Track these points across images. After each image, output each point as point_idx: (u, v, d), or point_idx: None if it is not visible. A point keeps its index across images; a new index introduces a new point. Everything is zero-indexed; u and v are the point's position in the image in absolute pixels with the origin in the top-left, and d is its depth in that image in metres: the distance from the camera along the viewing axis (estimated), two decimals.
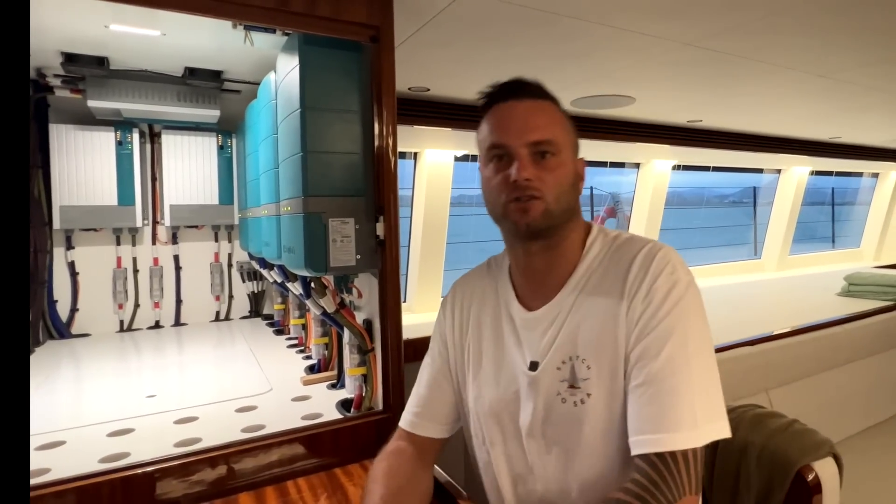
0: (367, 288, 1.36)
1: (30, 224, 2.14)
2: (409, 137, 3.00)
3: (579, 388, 0.81)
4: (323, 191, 1.20)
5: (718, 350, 2.15)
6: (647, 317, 0.78)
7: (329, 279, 1.38)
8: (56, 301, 2.36)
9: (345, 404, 1.37)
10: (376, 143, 1.23)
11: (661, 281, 0.79)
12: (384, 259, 1.22)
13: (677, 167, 4.39)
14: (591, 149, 3.57)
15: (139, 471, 0.99)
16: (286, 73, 1.30)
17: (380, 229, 1.22)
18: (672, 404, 0.73)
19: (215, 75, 2.08)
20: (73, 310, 2.40)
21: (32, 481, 0.96)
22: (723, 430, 0.75)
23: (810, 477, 1.21)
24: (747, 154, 4.13)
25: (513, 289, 0.94)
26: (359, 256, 1.22)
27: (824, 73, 2.27)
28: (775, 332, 2.36)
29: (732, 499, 1.31)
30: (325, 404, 1.40)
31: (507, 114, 0.85)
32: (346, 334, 1.38)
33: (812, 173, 5.28)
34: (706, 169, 4.72)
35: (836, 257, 6.28)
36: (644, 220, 4.37)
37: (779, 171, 5.23)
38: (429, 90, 2.45)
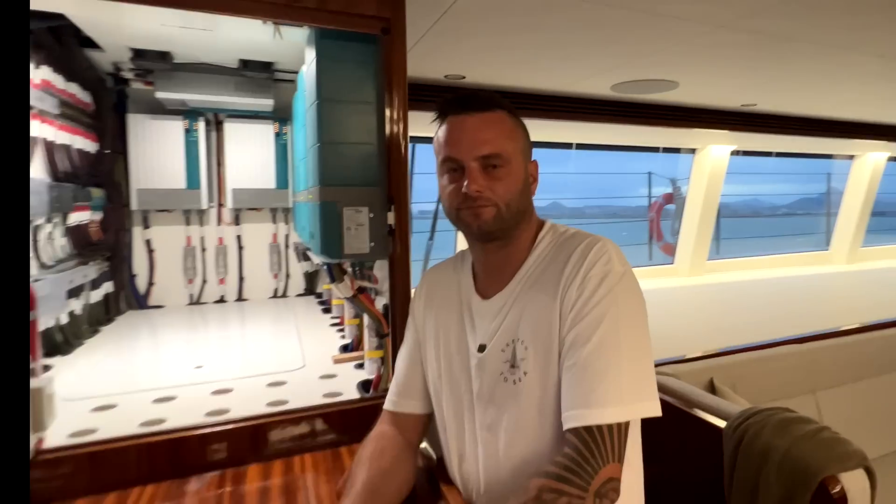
0: (384, 275, 1.36)
1: (108, 206, 2.30)
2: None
3: (518, 367, 0.85)
4: (338, 180, 1.20)
5: (762, 347, 2.00)
6: (580, 304, 0.81)
7: (346, 265, 1.39)
8: (135, 275, 2.54)
9: (364, 385, 1.39)
10: (388, 133, 1.21)
11: (595, 270, 0.82)
12: (394, 247, 1.21)
13: (736, 152, 4.07)
14: (640, 134, 3.37)
15: (165, 437, 1.04)
16: (307, 66, 1.30)
17: (391, 218, 1.21)
18: (600, 383, 0.76)
19: (266, 66, 2.13)
20: (150, 283, 2.57)
21: (78, 440, 1.03)
22: (651, 410, 0.78)
23: (836, 489, 1.09)
24: (815, 139, 3.78)
25: (473, 280, 0.98)
26: (372, 244, 1.22)
27: (883, 52, 2.00)
28: (827, 331, 2.16)
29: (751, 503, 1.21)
30: (348, 384, 1.42)
31: (458, 128, 0.89)
32: (366, 318, 1.38)
33: (891, 159, 4.76)
34: (769, 154, 4.35)
35: None
36: (699, 208, 4.11)
37: (851, 158, 4.74)
38: (464, 78, 2.40)
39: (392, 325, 1.23)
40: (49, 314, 1.72)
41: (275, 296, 2.80)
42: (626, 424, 0.77)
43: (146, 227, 2.56)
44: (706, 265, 4.33)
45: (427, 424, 1.01)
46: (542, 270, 0.89)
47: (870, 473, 1.12)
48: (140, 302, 2.54)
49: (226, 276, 2.70)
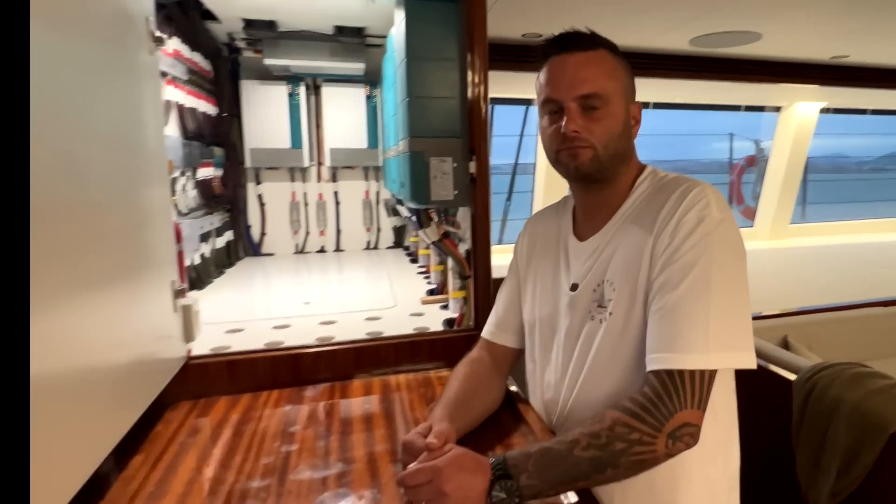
0: (465, 222, 1.40)
1: (227, 164, 2.48)
2: (528, 84, 2.88)
3: (605, 307, 0.84)
4: (425, 132, 1.24)
5: (842, 308, 1.87)
6: (672, 248, 0.77)
7: (434, 212, 1.45)
8: (250, 226, 2.76)
9: (449, 322, 1.46)
10: (470, 89, 1.22)
11: (691, 215, 0.77)
12: (475, 194, 1.24)
13: (826, 110, 3.65)
14: (721, 91, 3.10)
15: (286, 353, 1.17)
16: (397, 27, 1.33)
17: (472, 168, 1.24)
18: (686, 328, 0.73)
19: (358, 32, 2.18)
20: (262, 234, 2.78)
21: (221, 351, 1.18)
22: (742, 361, 0.74)
23: None
24: None
25: (572, 223, 0.97)
26: (456, 192, 1.26)
27: None
28: None
29: (818, 455, 1.17)
30: (434, 321, 1.50)
31: (558, 68, 0.85)
32: (450, 261, 1.44)
33: None
34: (862, 112, 3.87)
35: None
36: (783, 170, 3.75)
37: None
38: (541, 36, 2.32)
39: (474, 268, 1.28)
40: (187, 253, 1.93)
41: (367, 247, 2.94)
42: (711, 373, 0.73)
43: (258, 182, 2.75)
44: (788, 229, 3.97)
45: (517, 358, 1.04)
46: (638, 213, 0.86)
47: None
48: (255, 249, 2.76)
49: (325, 228, 2.87)
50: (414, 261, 2.52)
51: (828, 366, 1.25)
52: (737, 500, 0.88)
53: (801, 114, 3.56)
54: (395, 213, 2.90)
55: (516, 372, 1.05)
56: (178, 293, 1.09)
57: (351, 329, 1.44)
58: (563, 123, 0.83)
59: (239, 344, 1.32)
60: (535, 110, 3.37)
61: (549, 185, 3.41)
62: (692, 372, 0.72)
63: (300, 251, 2.83)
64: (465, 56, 1.23)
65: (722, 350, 0.72)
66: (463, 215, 1.40)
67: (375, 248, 2.95)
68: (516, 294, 1.04)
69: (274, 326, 1.49)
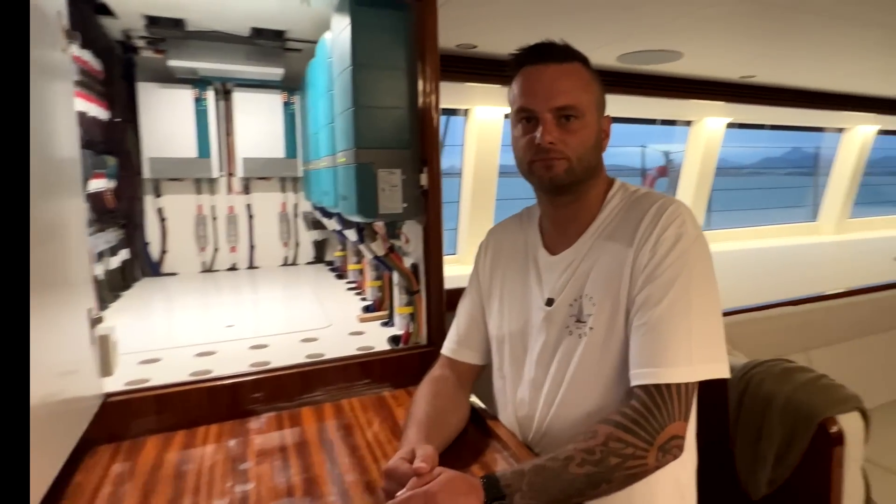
0: (413, 235, 1.43)
1: (121, 174, 2.32)
2: (459, 94, 2.99)
3: (584, 322, 0.88)
4: (373, 143, 1.26)
5: (760, 308, 2.11)
6: (653, 265, 0.82)
7: (379, 226, 1.46)
8: (148, 243, 2.58)
9: (394, 339, 1.47)
10: (420, 98, 1.27)
11: (669, 232, 0.83)
12: (427, 207, 1.28)
13: (731, 125, 4.16)
14: (640, 104, 3.43)
15: (222, 382, 1.12)
16: (339, 32, 1.35)
17: (423, 179, 1.28)
18: (670, 343, 0.78)
19: (278, 35, 2.15)
20: (163, 251, 2.62)
21: (135, 386, 1.11)
22: (719, 371, 0.80)
23: (833, 429, 1.21)
24: (807, 112, 3.87)
25: (540, 236, 1.01)
26: (405, 205, 1.29)
27: (885, 23, 2.08)
28: (819, 294, 2.29)
29: (755, 447, 1.32)
30: (377, 339, 1.50)
31: (534, 78, 0.89)
32: (396, 276, 1.46)
33: (880, 132, 4.88)
34: (762, 127, 4.45)
35: None
36: (694, 180, 4.21)
37: (841, 131, 4.86)
38: (476, 47, 2.44)
39: (426, 282, 1.31)
40: None
41: (285, 264, 2.86)
42: (694, 385, 0.79)
43: (158, 195, 2.59)
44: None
45: (479, 374, 1.06)
46: (614, 228, 0.90)
47: (864, 415, 1.24)
48: (154, 269, 2.59)
49: (237, 244, 2.76)
50: (340, 277, 2.50)
51: (758, 363, 1.42)
52: (695, 497, 0.97)
53: (709, 128, 4.02)
54: (315, 226, 2.85)
55: (478, 387, 1.08)
56: (95, 321, 1.01)
57: (287, 352, 1.40)
58: (539, 134, 0.86)
59: (159, 376, 1.24)
60: (457, 120, 3.50)
61: (476, 195, 3.52)
62: (678, 385, 0.77)
63: (208, 269, 2.70)
64: (415, 65, 1.27)
65: (704, 362, 0.79)
66: (410, 228, 1.43)
67: (294, 264, 2.88)
68: (479, 309, 1.06)
69: (197, 354, 1.42)
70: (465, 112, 3.37)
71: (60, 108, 0.94)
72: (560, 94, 0.86)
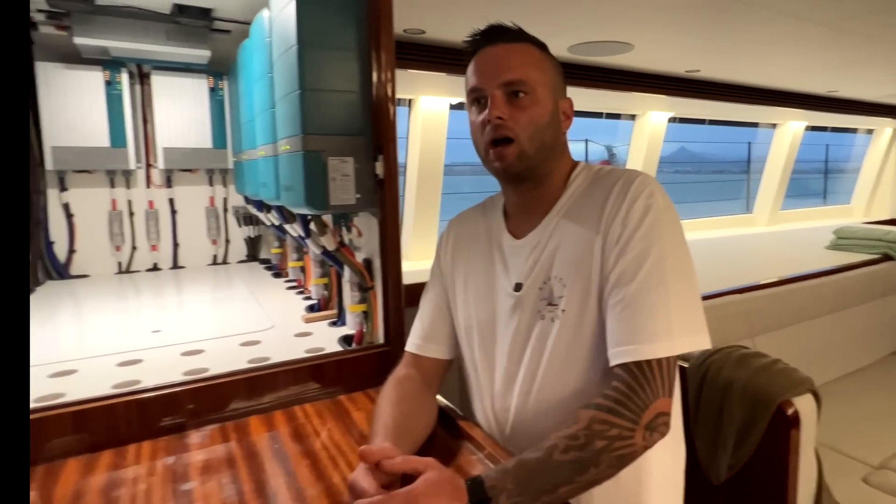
0: (366, 228, 1.39)
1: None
2: (404, 83, 2.95)
3: (556, 304, 0.88)
4: (322, 129, 1.21)
5: (706, 298, 2.21)
6: (625, 238, 0.83)
7: (328, 218, 1.41)
8: (53, 242, 2.38)
9: (346, 339, 1.42)
10: (374, 79, 1.23)
11: (638, 204, 0.83)
12: (384, 198, 1.24)
13: (673, 119, 4.37)
14: (587, 98, 3.54)
15: (154, 394, 1.04)
16: (282, 9, 1.29)
17: (379, 168, 1.24)
18: (649, 318, 0.78)
19: (204, 13, 2.03)
20: (71, 251, 2.42)
21: (48, 402, 1.01)
22: (700, 343, 0.80)
23: (790, 411, 1.28)
24: (744, 108, 4.13)
25: (504, 221, 1.01)
26: (358, 195, 1.24)
27: (825, 21, 2.25)
28: (762, 282, 2.43)
29: (716, 432, 1.38)
30: (326, 340, 1.45)
31: (485, 59, 0.91)
32: (347, 272, 1.42)
33: (807, 129, 5.29)
34: (702, 122, 4.71)
35: (828, 213, 6.35)
36: None
37: (774, 126, 5.22)
38: (424, 33, 2.41)
39: (384, 276, 1.27)
40: None
41: (214, 262, 2.73)
42: (675, 359, 0.79)
43: (63, 189, 2.39)
44: None
45: (447, 370, 1.05)
46: (580, 206, 0.90)
47: (816, 396, 1.33)
48: (60, 271, 2.39)
49: (158, 242, 2.59)
50: (278, 275, 2.41)
51: (715, 350, 1.48)
52: (683, 484, 1.00)
53: (653, 122, 4.20)
54: (248, 221, 2.74)
55: (442, 385, 1.06)
56: None
57: (226, 358, 1.33)
58: (486, 111, 0.88)
59: (76, 390, 1.14)
60: (400, 111, 3.46)
61: (422, 189, 3.50)
62: (659, 360, 0.77)
63: (125, 270, 2.53)
64: (367, 46, 1.22)
65: (685, 334, 0.79)
66: (362, 221, 1.38)
67: (224, 262, 2.76)
68: (443, 301, 1.05)
69: (119, 363, 1.31)
70: (409, 102, 3.33)
71: None
72: (507, 70, 0.88)
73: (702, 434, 1.42)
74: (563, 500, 0.72)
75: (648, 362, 0.77)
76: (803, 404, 1.30)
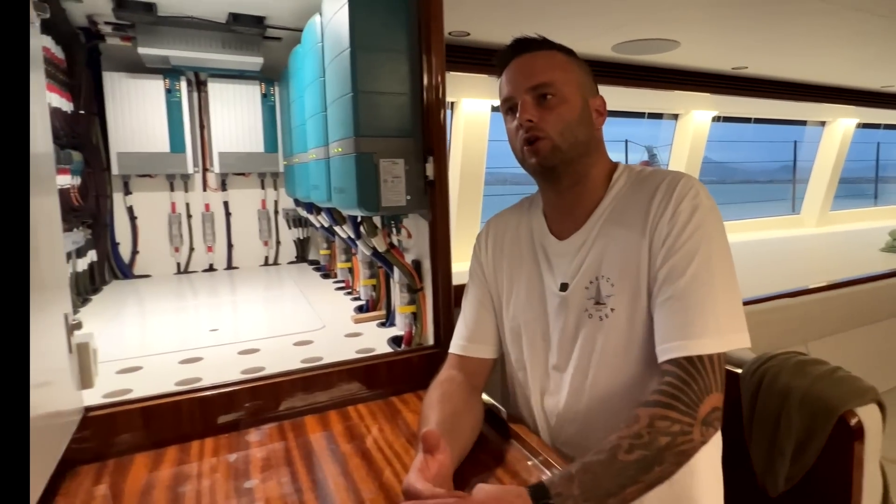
0: (415, 229, 1.38)
1: (86, 170, 2.21)
2: (447, 86, 2.94)
3: (604, 303, 0.88)
4: (374, 131, 1.20)
5: (758, 301, 2.12)
6: (672, 237, 0.83)
7: (378, 220, 1.40)
8: (118, 243, 2.46)
9: (395, 340, 1.41)
10: (425, 82, 1.21)
11: (685, 204, 0.84)
12: (434, 199, 1.22)
13: (718, 118, 4.20)
14: (629, 97, 3.43)
15: (216, 391, 1.05)
16: (333, 14, 1.28)
17: (429, 170, 1.22)
18: (698, 314, 0.79)
19: (258, 21, 2.07)
20: (134, 252, 2.50)
21: (119, 398, 1.03)
22: (744, 340, 0.81)
23: (853, 422, 1.20)
24: (790, 105, 3.94)
25: (545, 222, 1.01)
26: (409, 197, 1.23)
27: (886, 12, 2.11)
28: (816, 286, 2.31)
29: (772, 442, 1.31)
30: (376, 340, 1.44)
31: (512, 69, 0.95)
32: (396, 274, 1.40)
33: (858, 126, 5.01)
34: (747, 121, 4.52)
35: (880, 214, 6.01)
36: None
37: (823, 124, 4.97)
38: (469, 35, 2.39)
39: (433, 278, 1.26)
40: None
41: (266, 263, 2.77)
42: (723, 356, 0.80)
43: (128, 192, 2.48)
44: None
45: (492, 370, 1.04)
46: (624, 207, 0.91)
47: (881, 407, 1.24)
48: (124, 271, 2.47)
49: (214, 243, 2.65)
50: (326, 276, 2.43)
51: (770, 356, 1.40)
52: (722, 480, 0.97)
53: (696, 121, 4.05)
54: (297, 223, 2.77)
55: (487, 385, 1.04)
56: (73, 328, 0.93)
57: (280, 357, 1.34)
58: (517, 116, 0.91)
59: (142, 386, 1.16)
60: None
61: (464, 191, 3.47)
62: (710, 356, 0.77)
63: (183, 271, 2.59)
64: (416, 48, 1.21)
65: (732, 332, 0.79)
66: (411, 222, 1.37)
67: (275, 263, 2.80)
68: (486, 300, 1.05)
69: (181, 361, 1.34)
70: (451, 105, 3.31)
71: (33, 97, 0.85)
72: (533, 75, 0.91)
73: (757, 443, 1.35)
74: (628, 502, 0.70)
75: (700, 357, 0.77)
76: (868, 415, 1.21)
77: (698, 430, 0.74)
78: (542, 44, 0.95)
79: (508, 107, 0.95)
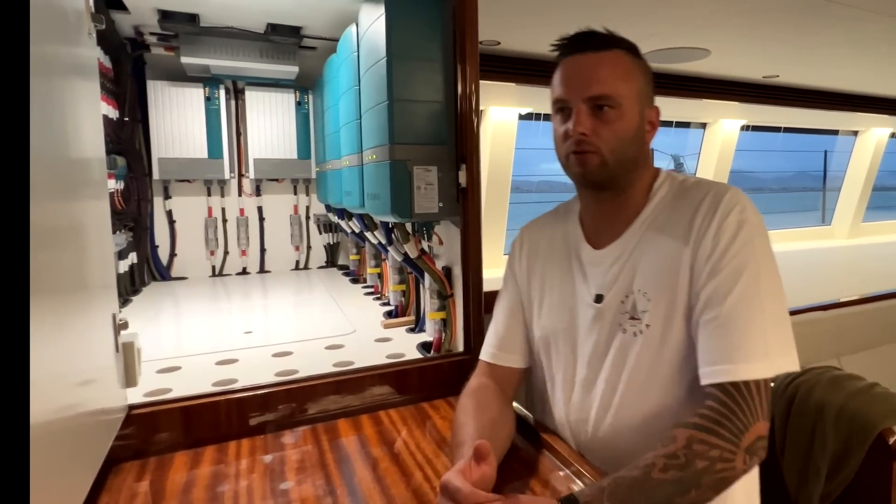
0: (446, 236, 1.37)
1: (129, 175, 2.26)
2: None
3: (639, 319, 0.84)
4: (408, 139, 1.20)
5: (792, 313, 2.05)
6: (717, 255, 0.78)
7: (409, 226, 1.40)
8: (157, 246, 2.52)
9: (425, 346, 1.41)
10: (459, 90, 1.21)
11: (731, 220, 0.79)
12: (466, 206, 1.22)
13: (746, 127, 4.11)
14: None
15: (252, 393, 1.06)
16: (370, 24, 1.29)
17: (462, 178, 1.22)
18: (745, 337, 0.74)
19: (294, 31, 2.10)
20: (172, 255, 2.56)
21: (159, 397, 1.05)
22: (793, 364, 0.75)
23: (892, 440, 1.15)
24: (821, 114, 3.83)
25: (582, 230, 0.96)
26: (441, 204, 1.23)
27: None
28: (848, 299, 2.23)
29: (806, 460, 1.26)
30: (405, 346, 1.44)
31: (571, 68, 0.86)
32: (427, 280, 1.40)
33: (892, 135, 4.84)
34: (777, 130, 4.41)
35: None
36: None
37: (855, 133, 4.82)
38: (499, 44, 2.38)
39: (464, 285, 1.25)
40: None
41: (296, 268, 2.80)
42: (770, 380, 0.75)
43: (167, 197, 2.53)
44: None
45: (523, 379, 1.01)
46: (665, 218, 0.86)
47: None
48: (162, 273, 2.53)
49: (247, 247, 2.70)
50: (355, 281, 2.44)
51: (803, 371, 1.36)
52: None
53: (725, 130, 3.97)
54: (328, 229, 2.80)
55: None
56: (120, 327, 0.95)
57: (312, 360, 1.34)
58: (570, 124, 0.84)
59: (181, 385, 1.18)
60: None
61: (490, 199, 3.46)
62: (757, 382, 0.72)
63: (218, 274, 2.64)
64: (450, 57, 1.21)
65: (781, 355, 0.74)
66: (442, 229, 1.37)
67: (306, 268, 2.82)
68: (518, 308, 1.01)
69: (217, 362, 1.35)
70: (480, 112, 3.31)
71: (87, 105, 0.88)
72: (594, 84, 0.83)
73: (790, 460, 1.30)
74: None
75: (746, 383, 0.72)
76: None
77: (741, 458, 0.70)
78: (608, 41, 0.85)
79: (560, 107, 0.88)
